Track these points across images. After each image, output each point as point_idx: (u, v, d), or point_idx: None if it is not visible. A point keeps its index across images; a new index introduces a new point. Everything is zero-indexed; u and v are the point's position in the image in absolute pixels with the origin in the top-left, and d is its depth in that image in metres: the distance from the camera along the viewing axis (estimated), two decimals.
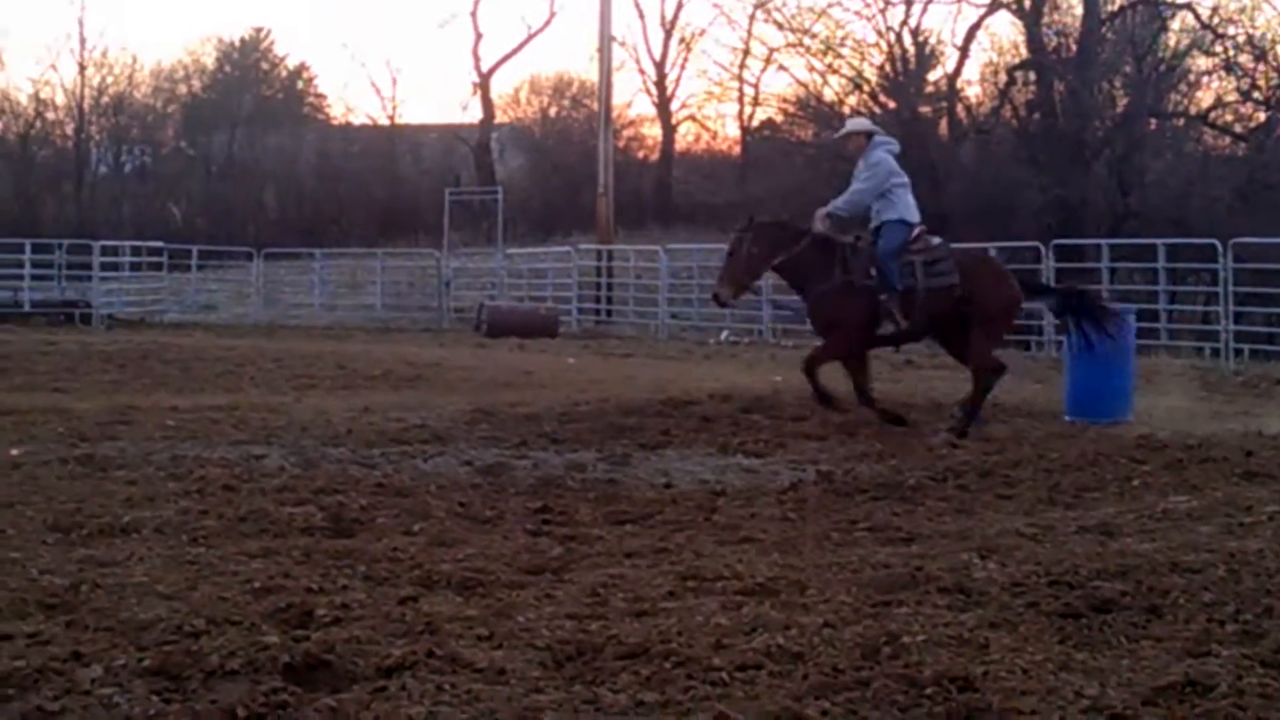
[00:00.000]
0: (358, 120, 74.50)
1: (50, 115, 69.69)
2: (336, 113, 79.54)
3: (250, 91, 76.84)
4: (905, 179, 15.87)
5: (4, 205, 62.97)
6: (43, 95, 69.19)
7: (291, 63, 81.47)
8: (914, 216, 15.74)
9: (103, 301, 39.58)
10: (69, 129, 69.18)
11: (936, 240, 15.97)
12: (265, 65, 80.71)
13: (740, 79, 65.35)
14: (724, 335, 35.16)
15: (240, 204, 63.20)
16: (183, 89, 75.30)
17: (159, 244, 44.17)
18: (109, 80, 69.25)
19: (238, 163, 68.33)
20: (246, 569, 8.00)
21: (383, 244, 51.21)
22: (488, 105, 66.49)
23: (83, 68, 67.89)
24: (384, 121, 71.02)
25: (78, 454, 12.52)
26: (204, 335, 34.68)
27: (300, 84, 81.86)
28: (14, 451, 12.63)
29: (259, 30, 79.44)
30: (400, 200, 63.24)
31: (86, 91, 68.23)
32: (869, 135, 16.29)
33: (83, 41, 69.16)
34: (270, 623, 6.79)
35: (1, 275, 42.32)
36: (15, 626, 6.71)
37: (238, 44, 78.68)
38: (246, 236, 51.93)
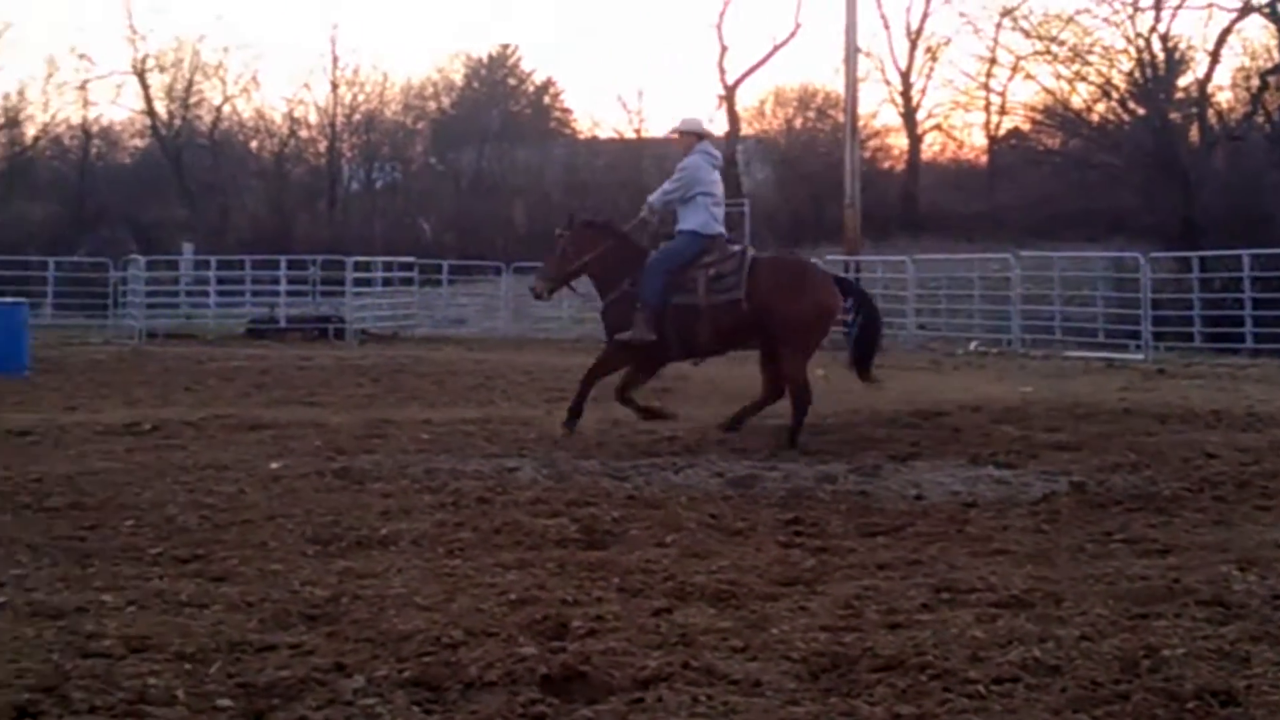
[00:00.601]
0: (604, 134, 74.96)
1: (304, 133, 71.15)
2: (583, 127, 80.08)
3: (498, 107, 77.52)
4: (712, 189, 15.80)
5: (260, 222, 64.29)
6: (297, 114, 70.68)
7: (538, 78, 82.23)
8: (711, 228, 15.65)
9: (356, 316, 40.23)
10: (322, 147, 70.48)
11: (735, 249, 15.77)
12: (513, 81, 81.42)
13: (986, 88, 64.88)
14: (973, 345, 34.82)
15: (489, 219, 63.67)
16: (432, 105, 76.25)
17: (410, 259, 44.80)
18: (360, 98, 70.44)
19: (486, 178, 68.96)
20: (502, 581, 8.08)
21: None
22: (733, 117, 66.52)
23: (335, 86, 69.20)
24: (630, 135, 71.38)
25: (335, 467, 12.73)
26: (454, 349, 35.10)
27: (547, 99, 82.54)
28: (273, 465, 12.87)
29: (506, 47, 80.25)
30: None
31: (339, 109, 69.49)
32: (700, 137, 16.24)
33: (335, 60, 70.59)
34: (527, 634, 6.86)
35: (258, 291, 43.31)
36: (279, 637, 6.85)
37: (486, 60, 79.54)
38: (495, 251, 52.26)
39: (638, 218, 16.49)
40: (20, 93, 70.73)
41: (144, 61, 68.83)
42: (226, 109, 70.98)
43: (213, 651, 6.56)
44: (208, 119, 70.67)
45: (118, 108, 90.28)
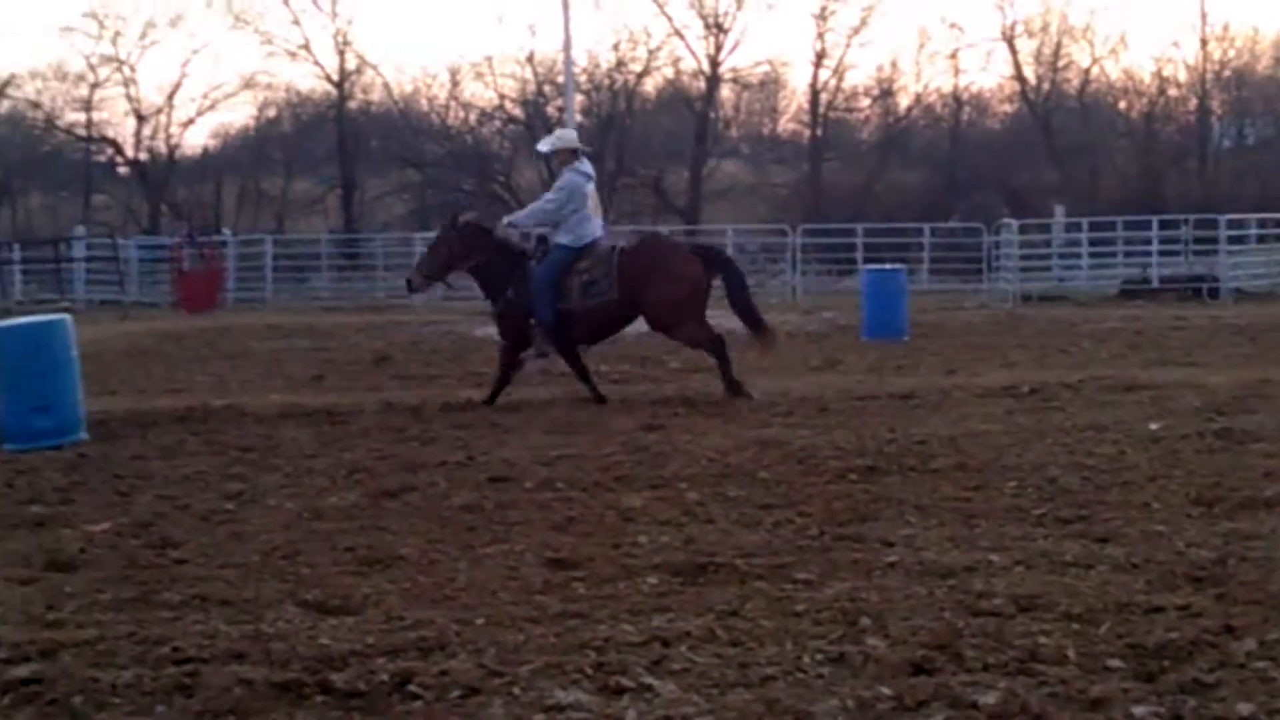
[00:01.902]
0: None
1: (1173, 92, 70.19)
2: None
3: None
4: (585, 203, 16.39)
5: (1130, 182, 63.95)
6: (1165, 73, 69.86)
7: None
8: (583, 240, 16.30)
9: (1230, 275, 39.43)
10: (1191, 105, 69.43)
11: (607, 249, 16.44)
12: None
13: None
14: None
15: None
16: None
17: None
18: (1230, 54, 69.06)
19: None
20: None
21: None
22: None
23: (1204, 43, 68.02)
24: None
25: (1214, 428, 12.56)
26: None
27: None
28: (1153, 425, 12.82)
29: None
30: None
31: (1208, 66, 68.29)
32: (574, 153, 16.88)
33: (1204, 17, 69.36)
34: None
35: (1130, 252, 43.13)
36: (1166, 599, 6.85)
37: None
38: None
39: (500, 225, 16.98)
40: (893, 64, 72.82)
41: (1013, 28, 69.62)
42: (1094, 71, 70.95)
43: (1100, 612, 6.62)
44: (1075, 81, 70.77)
45: (986, 74, 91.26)
